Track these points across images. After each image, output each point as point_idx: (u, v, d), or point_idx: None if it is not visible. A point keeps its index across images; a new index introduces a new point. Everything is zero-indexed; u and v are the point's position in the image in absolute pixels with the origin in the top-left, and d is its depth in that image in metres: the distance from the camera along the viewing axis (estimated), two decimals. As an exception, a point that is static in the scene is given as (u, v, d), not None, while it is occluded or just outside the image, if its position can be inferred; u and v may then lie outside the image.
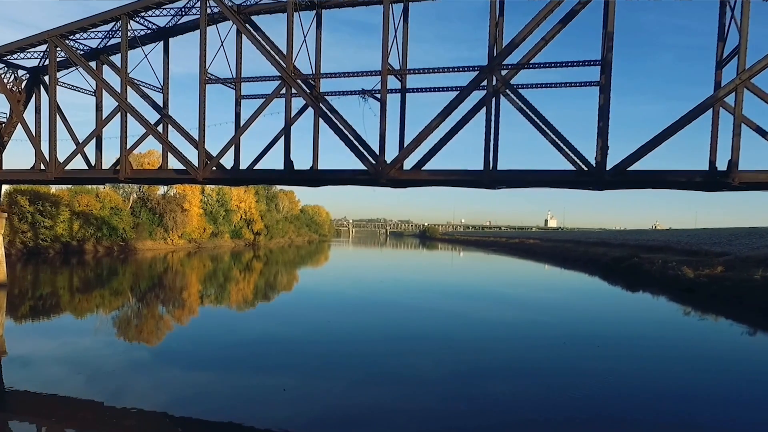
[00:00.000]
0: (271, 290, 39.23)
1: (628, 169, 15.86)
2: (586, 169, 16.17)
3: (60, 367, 15.42)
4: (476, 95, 17.83)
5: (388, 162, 18.03)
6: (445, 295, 35.89)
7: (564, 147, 16.34)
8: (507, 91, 17.88)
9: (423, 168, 17.96)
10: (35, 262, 47.06)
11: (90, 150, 23.36)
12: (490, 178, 17.03)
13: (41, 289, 33.99)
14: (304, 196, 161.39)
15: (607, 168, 16.01)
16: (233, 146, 21.27)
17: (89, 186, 59.20)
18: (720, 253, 44.55)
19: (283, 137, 19.36)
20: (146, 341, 19.95)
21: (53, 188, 55.26)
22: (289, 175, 18.90)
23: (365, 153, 18.27)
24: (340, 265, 69.23)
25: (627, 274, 48.54)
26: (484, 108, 17.24)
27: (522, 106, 17.89)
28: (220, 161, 21.23)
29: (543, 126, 16.93)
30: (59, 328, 22.21)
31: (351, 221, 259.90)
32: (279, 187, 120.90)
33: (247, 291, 38.17)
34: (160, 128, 22.58)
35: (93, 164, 23.20)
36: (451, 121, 17.48)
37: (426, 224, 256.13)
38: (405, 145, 19.19)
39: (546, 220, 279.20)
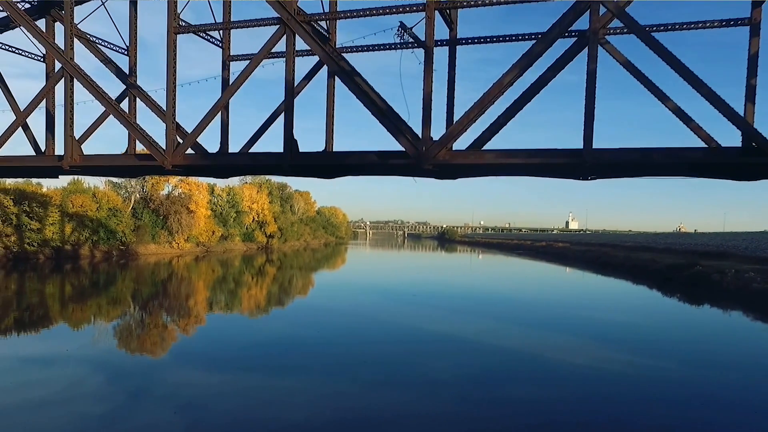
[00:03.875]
0: (287, 301, 34.07)
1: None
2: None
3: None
4: (561, 45, 12.12)
5: (435, 140, 12.28)
6: (490, 319, 29.72)
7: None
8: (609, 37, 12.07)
9: (484, 148, 12.17)
10: (22, 269, 42.46)
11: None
12: (593, 159, 11.14)
13: (17, 301, 29.17)
14: (320, 197, 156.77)
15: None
16: (219, 125, 15.67)
17: (85, 185, 54.53)
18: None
19: (283, 112, 13.70)
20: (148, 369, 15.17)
21: (44, 187, 50.65)
22: (293, 159, 13.17)
23: (401, 128, 12.47)
24: (361, 272, 63.44)
25: (688, 285, 41.88)
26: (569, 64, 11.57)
27: (628, 60, 12.14)
28: (203, 146, 15.66)
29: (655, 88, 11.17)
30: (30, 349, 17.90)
31: (368, 223, 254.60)
32: (294, 187, 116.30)
33: (260, 299, 33.17)
34: (126, 103, 17.15)
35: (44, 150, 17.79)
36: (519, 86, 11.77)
37: (444, 226, 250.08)
38: (455, 118, 13.43)
39: (567, 222, 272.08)
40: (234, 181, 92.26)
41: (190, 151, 14.54)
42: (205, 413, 11.61)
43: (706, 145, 11.16)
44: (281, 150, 13.54)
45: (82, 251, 51.41)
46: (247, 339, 20.22)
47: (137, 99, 17.07)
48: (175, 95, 13.79)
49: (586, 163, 11.14)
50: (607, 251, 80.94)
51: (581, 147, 11.48)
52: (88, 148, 16.78)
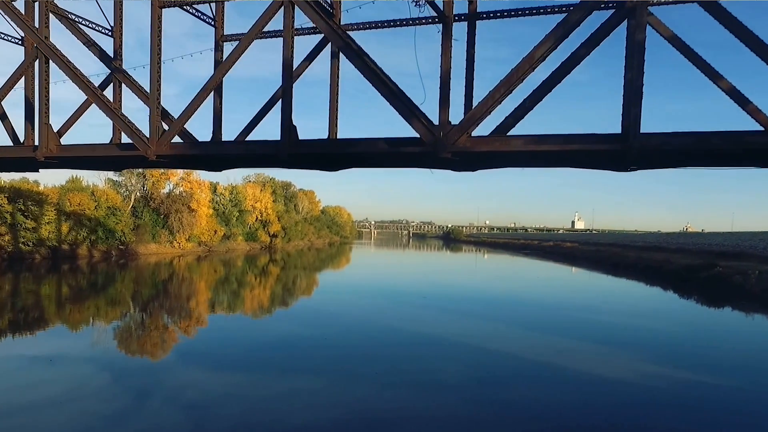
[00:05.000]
0: (291, 303, 32.74)
1: None
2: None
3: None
4: (597, 17, 10.54)
5: (454, 125, 10.69)
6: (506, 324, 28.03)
7: None
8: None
9: (509, 134, 10.57)
10: (17, 269, 41.15)
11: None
12: (640, 144, 9.51)
13: (10, 302, 27.82)
14: (324, 196, 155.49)
15: None
16: (218, 120, 14.15)
17: (84, 183, 53.24)
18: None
19: (281, 96, 12.12)
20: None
21: (42, 185, 49.40)
22: (291, 148, 11.58)
23: (415, 112, 10.87)
24: (367, 272, 61.80)
25: (706, 287, 40.01)
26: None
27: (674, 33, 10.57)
28: (193, 136, 14.12)
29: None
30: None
31: (373, 222, 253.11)
32: (298, 186, 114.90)
33: (264, 301, 31.91)
34: (110, 90, 15.64)
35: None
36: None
37: (450, 225, 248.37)
38: (474, 102, 11.83)
39: (573, 222, 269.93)
40: (237, 180, 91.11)
41: (177, 140, 13.01)
42: (210, 415, 11.17)
43: (762, 128, 9.57)
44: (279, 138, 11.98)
45: (80, 251, 50.11)
46: (250, 342, 19.38)
47: (123, 85, 15.54)
48: (159, 75, 12.24)
49: (632, 149, 9.52)
50: (617, 251, 79.01)
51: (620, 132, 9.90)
52: (74, 140, 15.36)
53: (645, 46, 9.62)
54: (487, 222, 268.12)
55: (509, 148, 10.42)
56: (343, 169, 13.40)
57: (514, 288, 45.02)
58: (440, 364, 16.23)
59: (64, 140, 15.34)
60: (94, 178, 57.21)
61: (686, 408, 12.85)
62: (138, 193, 59.98)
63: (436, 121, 10.62)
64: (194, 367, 15.20)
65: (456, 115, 12.45)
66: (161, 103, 12.71)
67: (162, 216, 60.35)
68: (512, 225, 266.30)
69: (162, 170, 59.97)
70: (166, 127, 12.91)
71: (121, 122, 12.42)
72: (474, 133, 11.01)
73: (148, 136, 12.55)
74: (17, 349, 17.95)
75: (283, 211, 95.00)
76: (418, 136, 10.78)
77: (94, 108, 14.94)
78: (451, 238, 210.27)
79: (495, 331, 22.47)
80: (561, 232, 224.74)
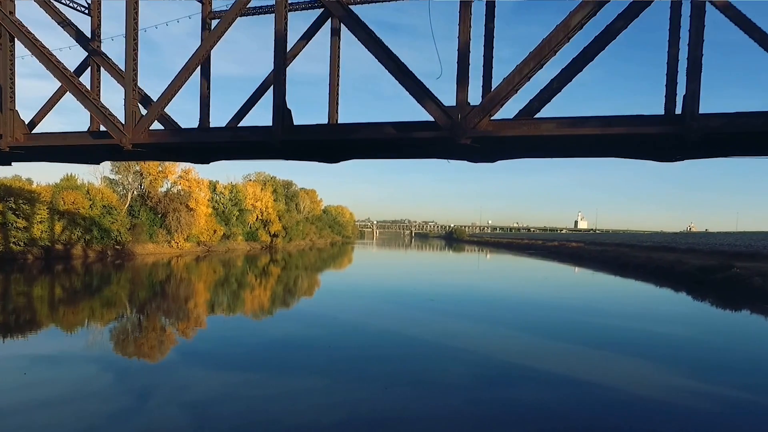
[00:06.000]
0: (292, 303, 31.39)
1: None
2: None
3: None
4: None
5: (474, 106, 9.15)
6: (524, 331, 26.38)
7: None
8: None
9: (536, 116, 9.04)
10: (7, 270, 39.74)
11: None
12: (699, 125, 7.96)
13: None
14: (326, 195, 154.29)
15: None
16: (196, 96, 12.62)
17: (79, 181, 51.81)
18: None
19: (273, 78, 10.59)
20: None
21: (35, 183, 48.01)
22: (285, 134, 10.04)
23: (429, 93, 9.33)
24: (370, 273, 60.24)
25: (723, 289, 38.35)
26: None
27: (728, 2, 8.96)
28: (176, 123, 12.58)
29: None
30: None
31: (375, 222, 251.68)
32: (300, 185, 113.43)
33: (264, 302, 30.48)
34: (87, 74, 14.13)
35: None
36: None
37: (452, 225, 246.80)
38: (493, 84, 10.26)
39: (576, 222, 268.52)
40: (237, 179, 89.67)
41: (158, 126, 11.48)
42: (211, 414, 10.91)
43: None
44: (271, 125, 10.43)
45: (75, 251, 48.68)
46: (250, 344, 18.57)
47: (102, 69, 14.02)
48: (136, 52, 10.71)
49: (690, 131, 7.96)
50: (625, 251, 77.34)
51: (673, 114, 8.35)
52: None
53: (705, 8, 8.07)
54: (490, 222, 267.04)
55: (539, 132, 8.87)
56: (344, 159, 11.84)
57: (525, 291, 43.27)
58: (449, 367, 15.58)
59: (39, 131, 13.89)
60: (89, 177, 55.89)
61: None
62: (135, 192, 58.52)
63: (455, 101, 9.06)
64: (193, 369, 14.67)
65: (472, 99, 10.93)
66: (139, 84, 11.18)
67: (159, 215, 58.89)
68: (515, 225, 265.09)
69: (159, 168, 58.56)
70: (145, 111, 11.38)
71: (92, 106, 10.89)
72: (495, 117, 9.49)
73: (123, 122, 11.02)
74: (4, 351, 17.08)
75: (284, 211, 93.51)
76: (432, 119, 9.23)
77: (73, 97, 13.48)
78: (454, 238, 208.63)
79: (512, 338, 20.88)
80: (564, 231, 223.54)
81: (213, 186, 72.93)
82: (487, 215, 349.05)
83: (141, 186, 58.98)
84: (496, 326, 23.58)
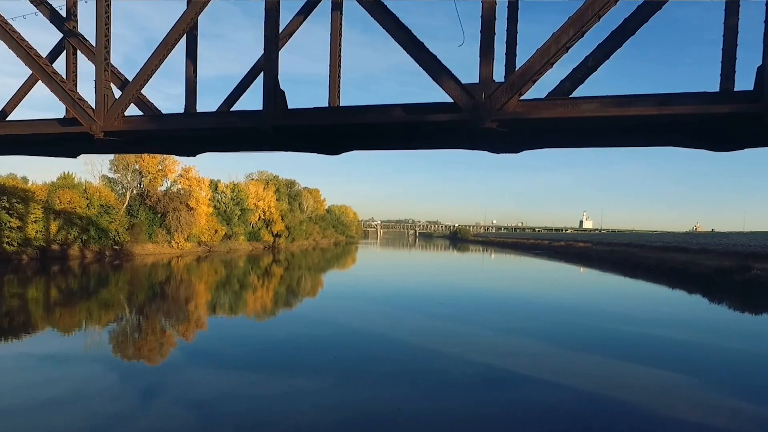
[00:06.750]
0: (295, 305, 30.17)
1: None
2: None
3: None
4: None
5: (500, 83, 7.72)
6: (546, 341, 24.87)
7: None
8: None
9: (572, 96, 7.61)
10: (1, 272, 38.55)
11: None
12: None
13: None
14: (330, 195, 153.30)
15: None
16: (181, 79, 11.14)
17: (76, 180, 50.61)
18: None
19: (264, 56, 9.16)
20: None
21: (30, 182, 46.82)
22: (277, 119, 8.60)
23: (446, 70, 7.89)
24: (374, 274, 58.78)
25: (742, 292, 36.70)
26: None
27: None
28: (157, 108, 11.13)
29: None
30: None
31: (379, 222, 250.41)
32: (303, 184, 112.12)
33: (267, 304, 29.31)
34: (62, 58, 12.71)
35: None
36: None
37: (456, 225, 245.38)
38: (518, 62, 8.82)
39: (581, 221, 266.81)
40: (239, 177, 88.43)
41: (135, 111, 10.06)
42: (214, 415, 10.73)
43: None
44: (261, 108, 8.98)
45: (71, 251, 47.48)
46: (250, 347, 18.12)
47: (78, 51, 12.60)
48: (109, 26, 9.28)
49: (770, 110, 6.47)
50: (635, 252, 75.66)
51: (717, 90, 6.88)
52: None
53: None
54: (494, 221, 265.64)
55: (579, 114, 7.40)
56: (346, 150, 10.39)
57: (538, 293, 41.68)
58: (464, 370, 15.16)
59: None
60: (87, 175, 54.74)
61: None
62: (134, 191, 57.27)
63: (478, 78, 7.59)
64: (194, 369, 14.55)
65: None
66: (112, 63, 9.74)
67: (159, 215, 57.63)
68: (520, 224, 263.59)
69: (159, 166, 57.33)
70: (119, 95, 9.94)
71: (58, 88, 9.48)
72: (524, 97, 8.03)
73: (94, 108, 9.60)
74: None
75: (287, 210, 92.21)
76: (451, 100, 7.77)
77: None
78: (458, 238, 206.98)
79: (536, 347, 19.38)
80: (569, 231, 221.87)
81: (214, 185, 71.75)
82: (491, 215, 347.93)
83: (140, 185, 57.75)
84: (519, 336, 22.04)
